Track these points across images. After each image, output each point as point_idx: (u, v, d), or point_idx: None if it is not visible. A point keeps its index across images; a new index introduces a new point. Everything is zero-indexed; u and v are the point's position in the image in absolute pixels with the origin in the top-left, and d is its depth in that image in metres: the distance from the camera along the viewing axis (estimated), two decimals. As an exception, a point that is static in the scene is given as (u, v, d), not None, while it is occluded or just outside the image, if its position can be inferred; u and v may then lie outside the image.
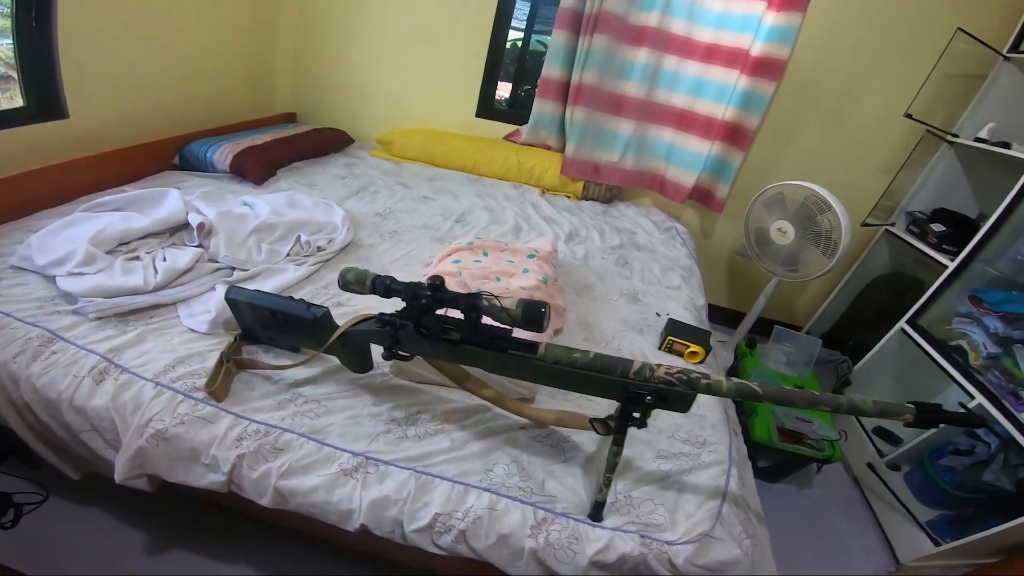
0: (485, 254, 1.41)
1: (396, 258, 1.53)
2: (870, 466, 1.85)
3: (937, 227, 1.99)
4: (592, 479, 0.95)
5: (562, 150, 2.36)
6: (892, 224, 2.24)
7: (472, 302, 0.78)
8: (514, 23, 2.40)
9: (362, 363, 1.03)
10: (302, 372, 1.04)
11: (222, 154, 1.94)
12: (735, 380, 0.78)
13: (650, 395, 0.77)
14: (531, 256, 1.43)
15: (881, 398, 2.21)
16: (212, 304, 1.11)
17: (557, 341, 1.28)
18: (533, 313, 0.75)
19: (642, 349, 1.34)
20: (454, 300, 0.80)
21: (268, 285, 1.23)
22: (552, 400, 1.08)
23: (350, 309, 1.23)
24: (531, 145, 2.42)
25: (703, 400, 1.21)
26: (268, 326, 1.04)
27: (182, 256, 1.23)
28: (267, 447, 0.89)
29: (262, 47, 2.44)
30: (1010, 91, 1.93)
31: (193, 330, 1.10)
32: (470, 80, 2.46)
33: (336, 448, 0.90)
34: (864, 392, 2.11)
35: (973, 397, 1.55)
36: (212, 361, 1.01)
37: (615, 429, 0.84)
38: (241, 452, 0.88)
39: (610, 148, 2.29)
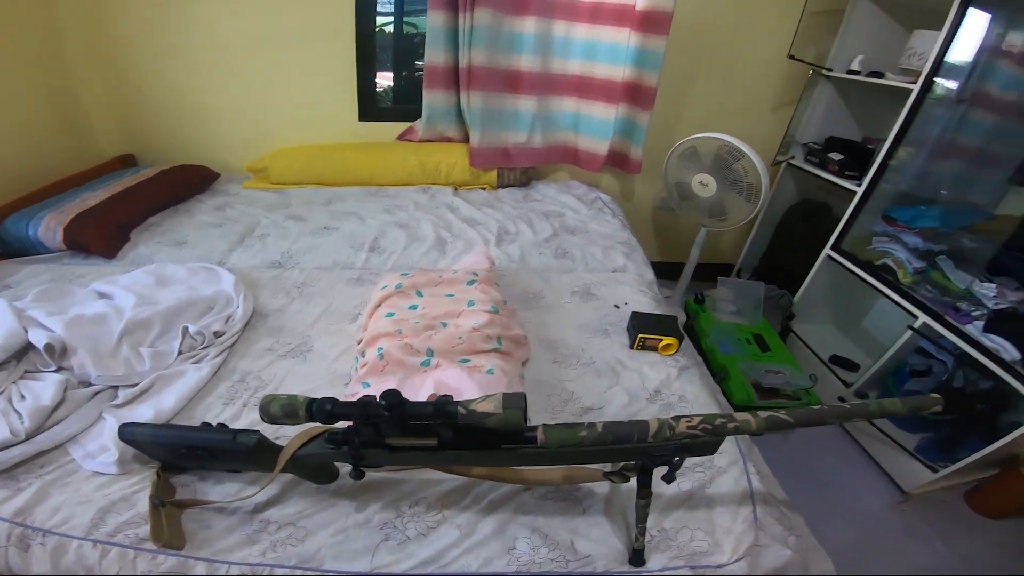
0: (419, 294, 1.28)
1: (314, 319, 1.35)
2: (842, 399, 1.99)
3: (835, 156, 2.15)
4: (619, 523, 0.92)
5: (465, 140, 2.23)
6: (792, 157, 2.39)
7: (446, 412, 0.68)
8: (380, 7, 2.17)
9: (325, 475, 0.90)
10: (259, 494, 0.89)
11: (48, 227, 1.60)
12: (762, 415, 0.74)
13: (676, 454, 0.73)
14: (471, 283, 1.32)
15: (824, 324, 2.30)
16: (108, 440, 0.93)
17: (526, 373, 1.20)
18: (517, 416, 0.67)
19: (615, 355, 1.31)
20: (422, 415, 0.70)
21: (170, 399, 1.03)
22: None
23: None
24: (430, 141, 2.27)
25: (691, 396, 1.20)
26: (190, 459, 0.86)
27: (44, 390, 0.99)
28: (265, 591, 0.78)
29: (60, 85, 2.02)
30: (867, 23, 2.10)
31: (102, 473, 0.91)
32: (342, 82, 2.23)
33: (339, 572, 0.80)
34: (809, 320, 2.29)
35: (916, 317, 1.69)
36: (144, 505, 0.85)
37: (639, 483, 0.79)
38: (239, 604, 0.76)
39: (516, 129, 2.20)
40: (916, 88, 1.70)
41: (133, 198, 1.82)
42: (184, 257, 1.61)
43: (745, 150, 1.90)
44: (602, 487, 0.98)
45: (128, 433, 0.85)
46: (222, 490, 0.91)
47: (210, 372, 1.12)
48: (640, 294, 1.56)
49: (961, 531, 1.68)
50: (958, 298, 1.66)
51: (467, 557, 0.83)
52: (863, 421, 0.75)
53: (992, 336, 1.51)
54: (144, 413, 1.00)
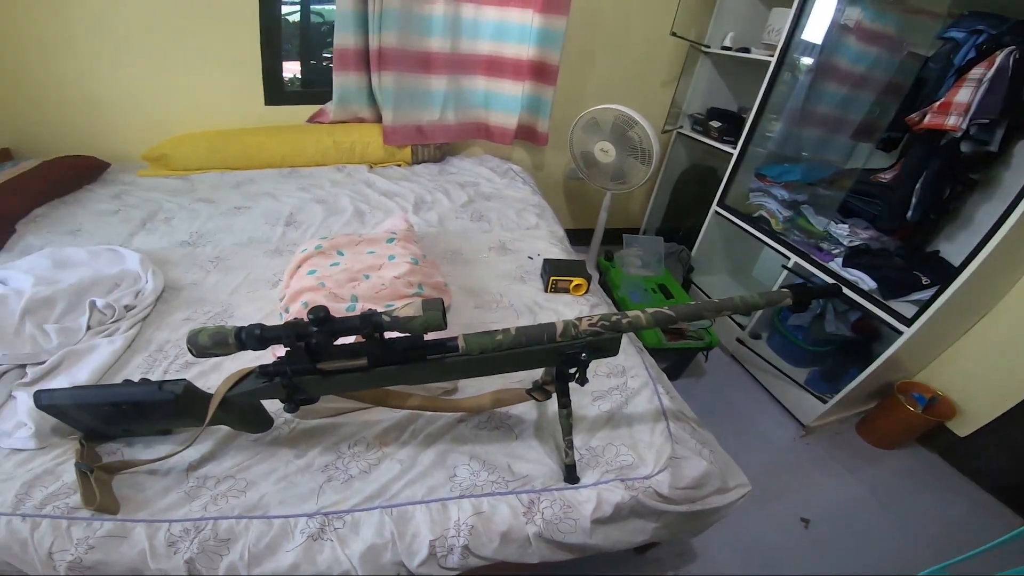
0: (340, 253, 1.32)
1: (234, 288, 1.35)
2: (739, 341, 2.19)
3: (715, 123, 2.41)
4: (550, 445, 1.00)
5: (378, 120, 2.25)
6: (681, 127, 2.64)
7: (372, 322, 0.73)
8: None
9: (259, 422, 0.92)
10: (191, 452, 0.90)
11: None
12: (650, 311, 0.85)
13: (583, 351, 0.82)
14: (391, 240, 1.37)
15: (720, 274, 2.54)
16: (23, 415, 0.90)
17: (451, 319, 1.27)
18: (437, 316, 0.72)
19: (533, 297, 1.42)
20: (350, 327, 0.74)
21: (83, 372, 1.00)
22: (472, 381, 1.08)
23: (210, 365, 1.06)
24: (342, 122, 2.26)
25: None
26: (115, 420, 0.85)
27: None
28: (210, 542, 0.79)
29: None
30: (737, 2, 2.35)
31: (20, 449, 0.88)
32: (247, 67, 2.15)
33: (287, 517, 0.83)
34: (704, 270, 2.54)
35: (789, 257, 1.92)
36: (70, 476, 0.84)
37: (558, 392, 0.88)
38: (188, 556, 0.77)
39: (429, 107, 2.26)
40: (773, 61, 1.94)
41: (13, 191, 1.67)
42: (80, 244, 1.51)
43: (638, 119, 2.09)
44: (530, 414, 1.07)
45: (46, 399, 0.83)
46: (152, 454, 0.90)
47: (124, 344, 1.10)
48: (552, 247, 1.70)
49: (859, 461, 1.84)
50: (820, 239, 1.94)
51: (412, 488, 0.89)
52: (730, 313, 0.88)
53: (850, 269, 1.75)
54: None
